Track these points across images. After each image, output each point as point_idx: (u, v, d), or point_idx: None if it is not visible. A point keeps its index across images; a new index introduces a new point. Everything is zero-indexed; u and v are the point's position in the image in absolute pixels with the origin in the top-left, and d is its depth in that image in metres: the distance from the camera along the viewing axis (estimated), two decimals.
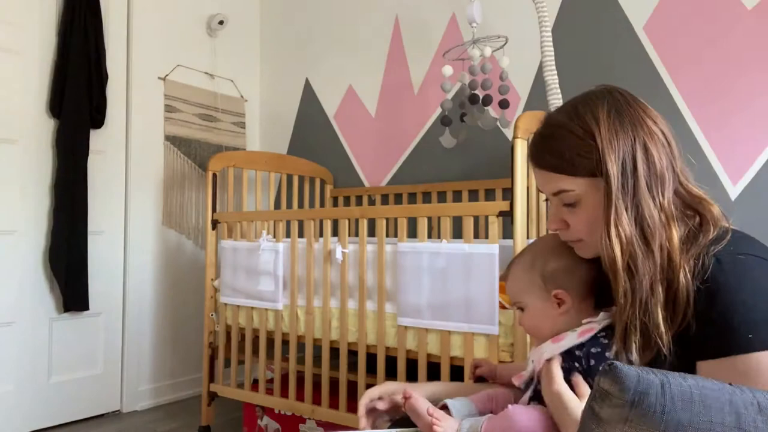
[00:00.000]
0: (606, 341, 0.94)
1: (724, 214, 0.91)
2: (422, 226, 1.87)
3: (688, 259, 0.83)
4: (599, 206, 0.89)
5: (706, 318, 0.81)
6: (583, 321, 0.98)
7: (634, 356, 0.86)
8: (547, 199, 1.00)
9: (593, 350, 0.94)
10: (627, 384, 0.60)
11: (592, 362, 0.93)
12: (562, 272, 1.00)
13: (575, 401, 0.86)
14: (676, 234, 0.86)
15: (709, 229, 0.86)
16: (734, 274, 0.81)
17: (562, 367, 0.96)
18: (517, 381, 1.07)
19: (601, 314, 0.98)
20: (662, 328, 0.83)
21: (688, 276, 0.83)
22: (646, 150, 0.88)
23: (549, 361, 0.93)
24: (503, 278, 1.10)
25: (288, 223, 2.75)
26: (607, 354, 0.92)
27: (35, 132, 2.49)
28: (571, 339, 0.96)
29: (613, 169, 0.86)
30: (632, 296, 0.85)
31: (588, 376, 0.94)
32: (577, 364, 0.95)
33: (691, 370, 0.83)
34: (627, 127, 0.88)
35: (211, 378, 2.44)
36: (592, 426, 0.63)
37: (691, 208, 0.90)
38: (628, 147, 0.87)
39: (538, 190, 1.02)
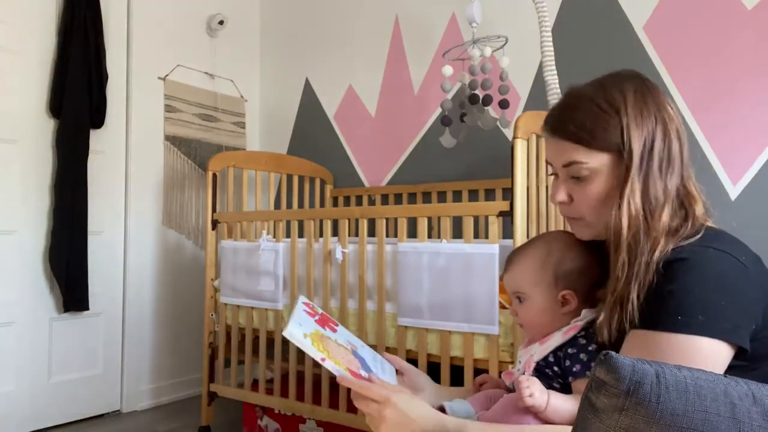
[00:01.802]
0: (584, 341, 0.95)
1: (707, 214, 0.94)
2: (422, 226, 1.87)
3: (664, 248, 0.86)
4: (609, 184, 0.91)
5: (650, 293, 0.85)
6: (571, 321, 0.98)
7: (613, 328, 0.88)
8: (551, 174, 1.00)
9: (570, 351, 0.94)
10: (622, 373, 0.61)
11: (567, 363, 0.94)
12: (575, 273, 0.99)
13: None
14: (667, 219, 0.89)
15: (688, 225, 0.89)
16: (690, 262, 0.84)
17: (539, 365, 0.97)
18: (507, 380, 1.07)
19: (584, 311, 0.98)
20: (635, 303, 0.86)
21: (657, 260, 0.86)
22: (665, 133, 0.91)
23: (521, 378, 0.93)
24: (504, 273, 1.08)
25: (288, 223, 2.75)
26: (581, 355, 0.93)
27: (35, 132, 2.49)
28: (557, 339, 0.97)
29: (637, 145, 0.89)
30: (628, 270, 0.87)
31: (563, 377, 0.94)
32: (556, 368, 0.95)
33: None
34: (651, 109, 0.91)
35: (211, 378, 2.44)
36: (588, 416, 0.64)
37: (682, 203, 0.93)
38: (650, 127, 0.90)
39: (548, 164, 1.01)
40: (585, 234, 0.98)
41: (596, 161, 0.91)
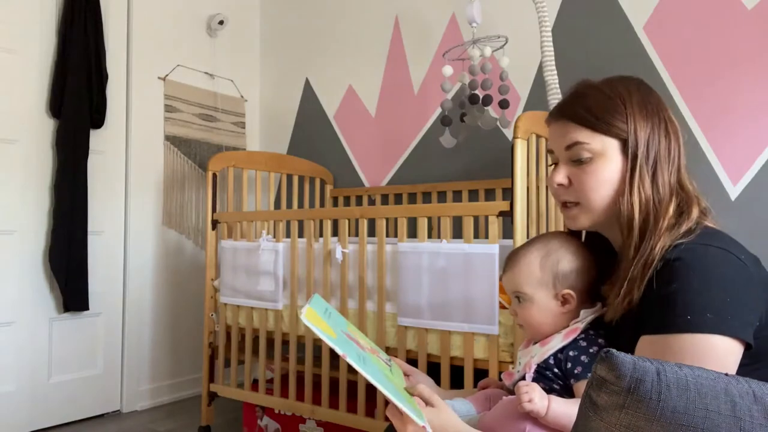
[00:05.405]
0: (584, 344, 0.95)
1: (705, 214, 0.95)
2: (422, 226, 1.87)
3: (665, 241, 0.88)
4: (610, 169, 0.94)
5: (656, 296, 0.85)
6: (571, 322, 0.98)
7: (624, 302, 0.89)
8: (552, 164, 1.02)
9: (571, 353, 0.95)
10: (623, 371, 0.61)
11: (569, 365, 0.94)
12: (574, 273, 1.00)
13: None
14: (672, 212, 0.91)
15: (684, 222, 0.91)
16: (691, 260, 0.84)
17: (540, 367, 0.97)
18: (507, 380, 1.07)
19: (582, 312, 0.98)
20: (643, 284, 0.87)
21: (660, 248, 0.87)
22: (667, 131, 0.95)
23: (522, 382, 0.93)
24: (503, 274, 1.08)
25: (288, 223, 2.75)
26: (582, 357, 0.93)
27: (35, 132, 2.49)
28: (557, 341, 0.97)
29: (643, 135, 0.93)
30: (641, 251, 0.89)
31: (564, 379, 0.95)
32: (556, 370, 0.95)
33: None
34: (653, 110, 0.95)
35: (211, 378, 2.44)
36: (589, 414, 0.64)
37: (679, 201, 0.94)
38: (654, 122, 0.94)
39: (549, 152, 1.04)
40: (580, 221, 0.99)
41: (599, 144, 0.94)
